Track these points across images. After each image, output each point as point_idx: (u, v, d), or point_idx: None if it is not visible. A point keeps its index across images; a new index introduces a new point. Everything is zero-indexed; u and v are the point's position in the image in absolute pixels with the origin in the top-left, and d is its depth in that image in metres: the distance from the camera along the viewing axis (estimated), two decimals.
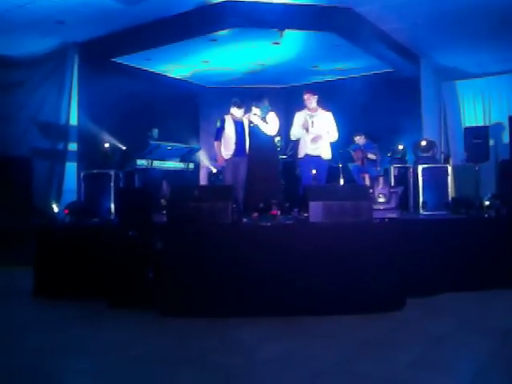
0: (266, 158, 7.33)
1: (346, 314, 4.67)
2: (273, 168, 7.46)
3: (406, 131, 10.17)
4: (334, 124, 7.30)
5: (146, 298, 4.97)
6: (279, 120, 7.46)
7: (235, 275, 4.82)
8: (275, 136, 7.81)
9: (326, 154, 7.35)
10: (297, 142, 7.65)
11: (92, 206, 6.78)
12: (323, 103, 7.49)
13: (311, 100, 7.31)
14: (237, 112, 7.49)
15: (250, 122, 7.41)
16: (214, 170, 11.60)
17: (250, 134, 7.44)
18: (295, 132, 7.39)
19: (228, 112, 7.56)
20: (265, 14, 8.10)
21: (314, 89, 7.77)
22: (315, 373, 3.36)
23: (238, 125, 7.47)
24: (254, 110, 7.35)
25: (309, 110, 7.33)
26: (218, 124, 7.53)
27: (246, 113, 7.52)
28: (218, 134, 7.49)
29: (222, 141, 7.46)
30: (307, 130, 7.20)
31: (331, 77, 12.39)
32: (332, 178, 8.25)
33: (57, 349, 3.97)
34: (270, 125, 7.28)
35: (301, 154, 7.41)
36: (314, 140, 7.22)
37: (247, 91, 9.91)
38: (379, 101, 10.84)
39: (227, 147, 7.40)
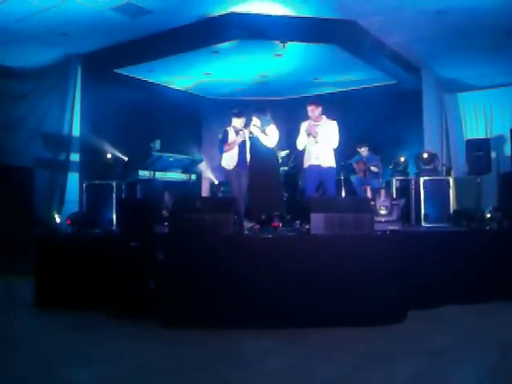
0: (267, 170, 7.31)
1: (347, 327, 4.66)
2: (274, 180, 7.44)
3: (407, 143, 10.20)
4: (337, 132, 7.28)
5: (147, 309, 4.97)
6: (281, 132, 7.45)
7: (236, 287, 4.81)
8: (283, 150, 7.80)
9: (330, 161, 7.32)
10: (300, 153, 7.64)
11: (94, 217, 6.78)
12: (324, 114, 7.48)
13: (315, 111, 7.31)
14: (237, 122, 7.50)
15: (250, 133, 7.41)
16: (216, 182, 11.63)
17: (250, 146, 7.44)
18: (301, 140, 7.39)
19: (229, 124, 7.58)
20: (267, 26, 8.14)
21: (316, 100, 7.77)
22: None
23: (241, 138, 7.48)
24: (254, 120, 7.35)
25: (313, 120, 7.33)
26: (220, 136, 7.54)
27: (246, 123, 7.53)
28: (221, 146, 7.49)
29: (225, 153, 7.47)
30: (310, 134, 7.19)
31: (333, 89, 12.43)
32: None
33: (58, 359, 3.97)
34: (270, 137, 7.26)
35: (305, 165, 7.41)
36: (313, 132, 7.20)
37: (249, 103, 9.96)
38: (381, 113, 10.87)
39: (230, 159, 7.41)
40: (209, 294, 4.81)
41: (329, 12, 8.16)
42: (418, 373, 3.54)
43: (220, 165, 7.68)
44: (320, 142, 7.22)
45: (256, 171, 7.26)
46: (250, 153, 7.41)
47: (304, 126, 7.35)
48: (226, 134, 7.48)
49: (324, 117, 7.37)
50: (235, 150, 7.39)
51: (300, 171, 8.34)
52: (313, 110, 7.31)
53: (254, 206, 7.02)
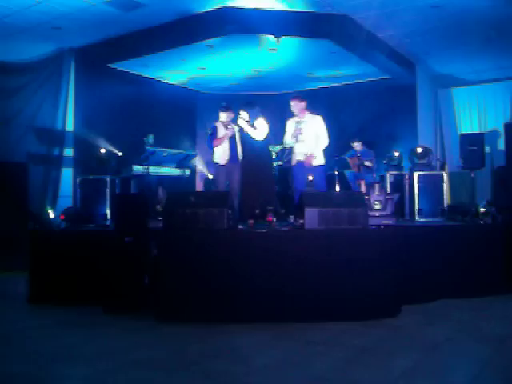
0: (260, 164, 7.29)
1: (341, 321, 4.67)
2: (266, 174, 7.43)
3: (402, 138, 10.23)
4: (324, 128, 7.16)
5: (142, 304, 4.97)
6: (275, 126, 7.44)
7: (230, 281, 4.81)
8: (278, 144, 7.78)
9: (318, 159, 7.21)
10: (291, 149, 7.61)
11: (88, 212, 6.78)
12: (318, 109, 7.44)
13: (298, 106, 7.21)
14: (223, 116, 7.46)
15: (239, 127, 7.37)
16: (210, 176, 11.63)
17: (241, 140, 7.41)
18: (287, 140, 7.34)
19: (218, 118, 7.53)
20: (260, 20, 8.12)
21: (308, 95, 7.73)
22: (311, 379, 3.36)
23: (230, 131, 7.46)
24: (242, 114, 7.30)
25: (297, 116, 7.26)
26: (209, 131, 7.50)
27: (234, 117, 7.49)
28: (211, 141, 7.45)
29: (216, 148, 7.44)
30: (297, 139, 7.12)
31: (327, 84, 12.44)
32: (328, 185, 8.24)
33: (53, 355, 3.94)
34: (258, 130, 7.22)
35: (293, 162, 7.36)
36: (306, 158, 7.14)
37: (243, 97, 9.93)
38: (375, 108, 10.88)
39: (222, 153, 7.38)
40: (203, 289, 4.81)
41: (323, 6, 8.15)
42: (412, 366, 3.55)
43: (212, 160, 7.66)
44: (306, 140, 7.14)
45: (247, 166, 7.23)
46: (242, 147, 7.38)
47: (289, 125, 7.28)
48: (215, 129, 7.44)
49: (308, 112, 7.28)
50: (226, 145, 7.35)
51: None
52: (296, 105, 7.19)
53: (247, 200, 7.01)
